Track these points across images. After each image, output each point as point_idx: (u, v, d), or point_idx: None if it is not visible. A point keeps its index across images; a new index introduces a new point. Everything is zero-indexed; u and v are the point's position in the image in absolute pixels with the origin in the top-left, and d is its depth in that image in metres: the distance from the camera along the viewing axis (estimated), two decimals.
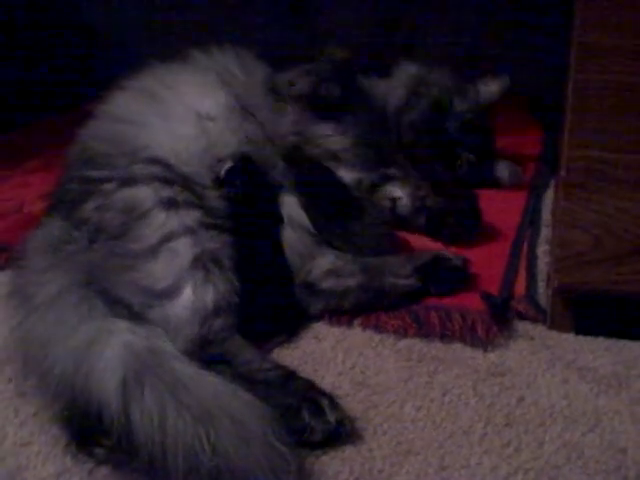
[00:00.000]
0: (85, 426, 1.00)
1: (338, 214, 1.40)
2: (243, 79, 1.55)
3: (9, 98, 2.18)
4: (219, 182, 1.34)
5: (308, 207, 1.40)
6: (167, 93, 1.44)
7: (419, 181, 1.56)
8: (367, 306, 1.29)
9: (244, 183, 1.35)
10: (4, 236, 1.55)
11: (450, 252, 1.36)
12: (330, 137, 1.56)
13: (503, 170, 1.73)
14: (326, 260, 1.33)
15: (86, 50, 2.51)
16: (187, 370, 1.01)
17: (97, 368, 1.00)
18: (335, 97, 1.58)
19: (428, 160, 1.66)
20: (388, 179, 1.56)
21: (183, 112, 1.41)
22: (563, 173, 1.16)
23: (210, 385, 0.99)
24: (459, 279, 1.32)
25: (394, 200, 1.53)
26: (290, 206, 1.41)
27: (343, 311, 1.29)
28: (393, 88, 1.70)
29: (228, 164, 1.36)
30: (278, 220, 1.39)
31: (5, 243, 1.51)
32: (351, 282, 1.29)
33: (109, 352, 1.02)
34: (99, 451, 0.98)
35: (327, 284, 1.30)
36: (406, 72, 1.73)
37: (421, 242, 1.49)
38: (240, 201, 1.34)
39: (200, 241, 1.19)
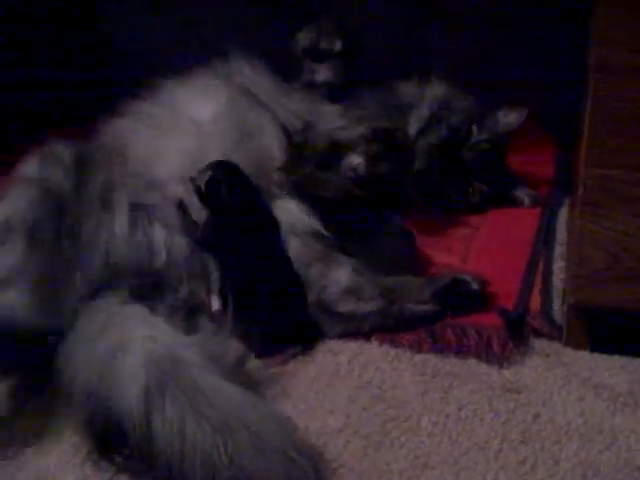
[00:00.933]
0: (106, 435, 1.01)
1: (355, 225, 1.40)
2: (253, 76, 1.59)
3: (26, 109, 2.20)
4: (202, 196, 1.29)
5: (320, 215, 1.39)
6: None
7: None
8: (385, 330, 1.28)
9: (230, 193, 1.29)
10: None
11: (467, 272, 1.35)
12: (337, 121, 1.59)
13: (522, 197, 1.74)
14: (342, 274, 1.31)
15: (102, 62, 2.52)
16: (208, 380, 1.02)
17: (120, 376, 1.02)
18: (336, 52, 1.65)
19: (440, 186, 1.66)
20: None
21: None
22: (580, 191, 1.16)
23: (230, 396, 1.00)
24: (477, 303, 1.31)
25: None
26: (290, 212, 1.41)
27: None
28: (420, 105, 1.71)
29: (207, 174, 1.28)
30: (276, 228, 1.35)
31: None
32: (370, 307, 1.28)
33: (132, 360, 1.03)
34: (119, 459, 0.99)
35: (345, 307, 1.28)
36: (434, 92, 1.74)
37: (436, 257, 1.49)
38: (230, 212, 1.29)
39: None
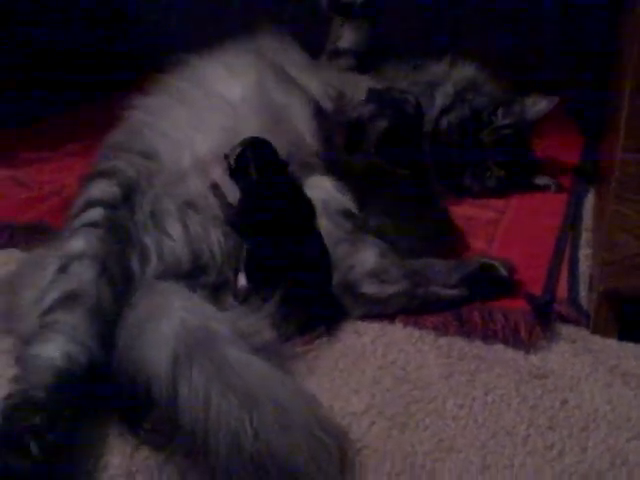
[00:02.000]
0: (134, 402, 1.01)
1: (393, 206, 1.39)
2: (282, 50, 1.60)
3: (50, 83, 2.19)
4: (232, 172, 1.30)
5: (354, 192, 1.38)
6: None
7: None
8: (410, 312, 1.26)
9: (260, 168, 1.28)
10: (45, 217, 1.56)
11: (495, 257, 1.33)
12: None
13: (543, 185, 1.72)
14: (369, 256, 1.30)
15: (128, 36, 2.52)
16: (237, 354, 1.02)
17: (152, 340, 1.03)
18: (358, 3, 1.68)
19: (457, 167, 1.65)
20: None
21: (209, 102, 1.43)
22: (616, 175, 1.14)
23: (257, 370, 1.00)
24: (505, 289, 1.29)
25: None
26: (324, 189, 1.40)
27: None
28: (446, 84, 1.69)
29: (237, 151, 1.29)
30: (309, 206, 1.33)
31: (46, 224, 1.52)
32: (395, 289, 1.26)
33: (165, 326, 1.04)
34: (141, 432, 0.99)
35: (370, 289, 1.27)
36: (463, 73, 1.73)
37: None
38: (259, 189, 1.29)
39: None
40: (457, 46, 2.28)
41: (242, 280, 1.24)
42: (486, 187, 1.67)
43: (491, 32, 2.33)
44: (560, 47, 2.29)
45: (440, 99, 1.69)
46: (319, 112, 1.51)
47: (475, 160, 1.66)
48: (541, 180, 1.72)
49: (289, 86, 1.52)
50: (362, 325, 1.25)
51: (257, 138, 1.32)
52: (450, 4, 2.37)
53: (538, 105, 1.68)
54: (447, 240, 1.42)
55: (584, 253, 1.44)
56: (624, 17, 1.49)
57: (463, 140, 1.66)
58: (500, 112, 1.67)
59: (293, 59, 1.61)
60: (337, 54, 1.72)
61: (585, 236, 1.50)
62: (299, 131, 1.46)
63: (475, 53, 2.09)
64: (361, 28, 1.75)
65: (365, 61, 1.72)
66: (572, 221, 1.57)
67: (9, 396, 0.99)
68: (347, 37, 1.74)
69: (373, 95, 1.54)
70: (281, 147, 1.36)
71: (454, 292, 1.26)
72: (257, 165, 1.28)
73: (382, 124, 1.48)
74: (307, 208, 1.32)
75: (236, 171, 1.29)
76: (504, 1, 2.32)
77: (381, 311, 1.26)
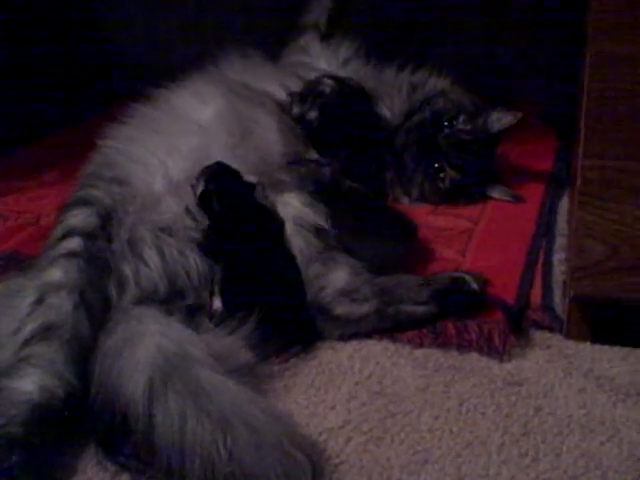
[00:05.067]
0: (110, 429, 1.02)
1: (355, 220, 1.40)
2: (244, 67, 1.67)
3: (24, 112, 2.20)
4: (198, 204, 1.33)
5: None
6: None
7: None
8: (384, 331, 1.27)
9: (223, 200, 1.32)
10: (21, 248, 1.57)
11: (467, 271, 1.33)
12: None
13: (496, 194, 1.72)
14: (340, 275, 1.31)
15: (101, 62, 2.53)
16: (211, 377, 1.03)
17: (128, 367, 1.04)
18: None
19: (413, 166, 1.67)
20: None
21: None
22: (578, 182, 1.15)
23: (230, 393, 1.01)
24: (477, 303, 1.28)
25: None
26: (294, 207, 1.41)
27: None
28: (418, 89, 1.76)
29: (200, 187, 1.33)
30: (279, 226, 1.36)
31: (21, 254, 1.52)
32: (366, 309, 1.26)
33: (141, 352, 1.06)
34: (120, 458, 0.99)
35: (341, 310, 1.27)
36: (435, 83, 1.76)
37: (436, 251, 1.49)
38: (225, 219, 1.32)
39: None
40: (429, 53, 2.31)
41: (217, 302, 1.25)
42: (438, 189, 1.67)
43: (463, 39, 2.35)
44: (533, 51, 2.31)
45: (405, 104, 1.71)
46: (284, 116, 1.57)
47: (430, 161, 1.66)
48: (496, 191, 1.72)
49: (253, 99, 1.55)
50: (338, 341, 1.26)
51: (218, 167, 1.35)
52: (422, 10, 2.39)
53: (502, 119, 1.69)
54: (409, 239, 1.43)
55: (558, 258, 1.45)
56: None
57: (420, 141, 1.67)
58: (462, 118, 1.68)
59: (255, 72, 1.66)
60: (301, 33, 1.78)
61: (559, 241, 1.51)
62: (267, 145, 1.49)
63: (448, 59, 2.13)
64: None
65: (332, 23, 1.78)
66: (546, 226, 1.58)
67: None
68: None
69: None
70: (251, 164, 1.41)
71: (425, 309, 1.26)
72: (220, 197, 1.32)
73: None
74: (276, 228, 1.34)
75: (201, 202, 1.33)
76: (475, 8, 2.34)
77: (355, 331, 1.27)
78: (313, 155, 1.56)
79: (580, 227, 1.17)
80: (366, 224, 1.41)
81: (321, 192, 1.43)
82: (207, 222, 1.33)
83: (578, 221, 1.17)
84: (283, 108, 1.59)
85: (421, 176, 1.68)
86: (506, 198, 1.71)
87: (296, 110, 1.60)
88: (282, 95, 1.62)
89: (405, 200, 1.71)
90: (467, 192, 1.69)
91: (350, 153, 1.60)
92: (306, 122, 1.59)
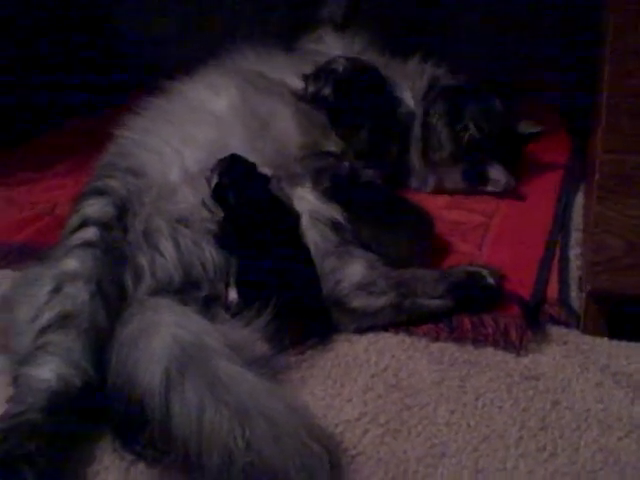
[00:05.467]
0: (127, 419, 1.01)
1: (372, 214, 1.40)
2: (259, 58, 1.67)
3: (40, 102, 2.20)
4: (213, 196, 1.33)
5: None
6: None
7: None
8: (400, 324, 1.27)
9: (238, 192, 1.32)
10: (37, 237, 1.57)
11: (483, 265, 1.33)
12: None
13: (492, 174, 1.71)
14: (356, 269, 1.30)
15: (115, 55, 2.53)
16: (228, 367, 1.03)
17: (144, 357, 1.04)
18: None
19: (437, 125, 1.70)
20: None
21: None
22: (597, 177, 1.15)
23: (248, 384, 1.01)
24: (493, 297, 1.28)
25: None
26: (309, 200, 1.41)
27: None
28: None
29: (215, 179, 1.33)
30: (294, 217, 1.36)
31: (37, 244, 1.53)
32: (382, 302, 1.26)
33: (157, 342, 1.05)
34: (136, 448, 0.99)
35: (358, 302, 1.27)
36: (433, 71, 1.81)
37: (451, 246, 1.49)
38: (239, 211, 1.32)
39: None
40: (445, 48, 2.31)
41: (232, 294, 1.25)
42: (457, 145, 1.68)
43: (479, 34, 2.34)
44: (549, 46, 2.30)
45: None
46: (301, 105, 1.58)
47: (454, 118, 1.69)
48: (494, 171, 1.70)
49: (269, 90, 1.56)
50: (354, 334, 1.26)
51: (233, 159, 1.35)
52: (435, 5, 2.38)
53: (530, 127, 1.74)
54: (427, 233, 1.43)
55: (574, 253, 1.44)
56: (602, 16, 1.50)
57: (448, 101, 1.71)
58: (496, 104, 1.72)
59: (270, 61, 1.67)
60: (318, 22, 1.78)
61: (575, 236, 1.50)
62: (284, 136, 1.50)
63: (463, 55, 2.13)
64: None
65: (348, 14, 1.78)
66: (562, 221, 1.58)
67: (3, 417, 1.00)
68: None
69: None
70: (267, 157, 1.41)
71: (441, 302, 1.26)
72: (234, 190, 1.31)
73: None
74: (291, 221, 1.34)
75: (216, 195, 1.33)
76: (491, 3, 2.33)
77: (371, 324, 1.27)
78: (331, 147, 1.56)
79: (598, 222, 1.16)
80: (384, 218, 1.41)
81: (338, 186, 1.42)
82: (222, 214, 1.33)
83: (596, 216, 1.16)
84: (299, 96, 1.60)
85: (444, 131, 1.69)
86: (496, 188, 1.69)
87: (311, 89, 1.61)
88: (298, 83, 1.63)
89: (426, 185, 1.73)
90: (479, 160, 1.69)
91: (370, 132, 1.61)
92: (322, 99, 1.60)
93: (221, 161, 1.35)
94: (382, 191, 1.51)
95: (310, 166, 1.46)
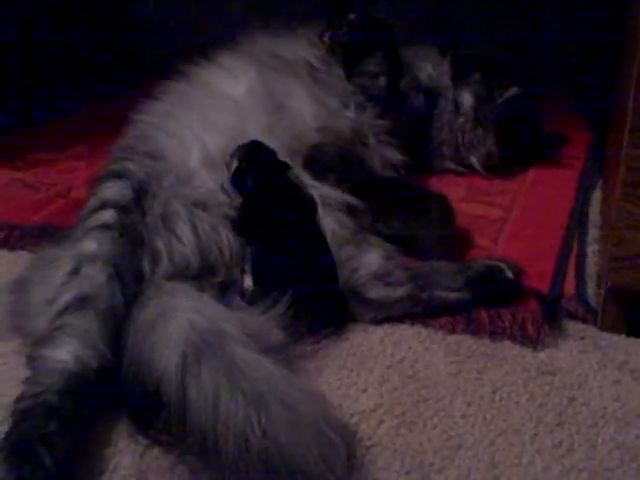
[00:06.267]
0: (143, 403, 1.01)
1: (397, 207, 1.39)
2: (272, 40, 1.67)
3: (55, 86, 2.20)
4: (232, 181, 1.33)
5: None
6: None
7: None
8: (416, 316, 1.26)
9: (257, 178, 1.31)
10: (52, 219, 1.57)
11: (502, 258, 1.32)
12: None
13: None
14: (373, 258, 1.30)
15: (132, 40, 2.53)
16: (245, 354, 1.02)
17: (161, 341, 1.03)
18: None
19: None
20: None
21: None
22: (622, 172, 1.14)
23: (265, 370, 1.00)
24: (512, 292, 1.27)
25: None
26: (325, 187, 1.41)
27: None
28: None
29: (234, 164, 1.32)
30: (311, 207, 1.35)
31: (53, 226, 1.53)
32: (399, 293, 1.26)
33: (174, 327, 1.05)
34: (151, 432, 0.99)
35: (374, 293, 1.26)
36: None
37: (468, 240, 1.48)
38: (258, 197, 1.31)
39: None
40: (461, 41, 2.30)
41: (248, 281, 1.24)
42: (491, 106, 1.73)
43: (496, 27, 2.34)
44: (567, 42, 2.29)
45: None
46: (317, 76, 1.60)
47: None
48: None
49: (285, 70, 1.57)
50: (370, 324, 1.25)
51: (254, 145, 1.35)
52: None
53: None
54: (451, 224, 1.43)
55: (591, 249, 1.44)
56: (630, 12, 1.49)
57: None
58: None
59: (283, 41, 1.68)
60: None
61: (592, 232, 1.50)
62: (301, 120, 1.50)
63: (481, 47, 2.12)
64: None
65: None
66: (579, 218, 1.57)
67: (21, 398, 0.99)
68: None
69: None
70: (285, 142, 1.42)
71: (459, 295, 1.25)
72: (254, 175, 1.31)
73: None
74: (309, 209, 1.33)
75: (235, 180, 1.32)
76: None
77: (387, 315, 1.26)
78: (347, 125, 1.57)
79: (621, 217, 1.15)
80: (406, 208, 1.41)
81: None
82: (240, 200, 1.32)
83: (619, 211, 1.15)
84: (315, 68, 1.62)
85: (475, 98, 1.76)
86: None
87: (326, 36, 1.68)
88: (315, 53, 1.65)
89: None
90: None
91: (388, 79, 1.66)
92: (338, 43, 1.66)
93: (241, 147, 1.35)
94: (402, 186, 1.50)
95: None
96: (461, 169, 1.80)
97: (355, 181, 1.44)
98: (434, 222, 1.40)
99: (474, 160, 1.77)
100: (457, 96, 1.77)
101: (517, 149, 1.77)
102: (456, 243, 1.43)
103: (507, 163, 1.78)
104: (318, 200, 1.37)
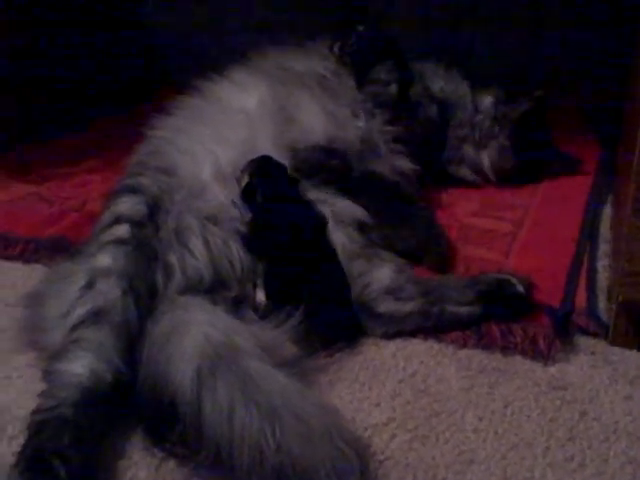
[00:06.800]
0: (157, 416, 1.03)
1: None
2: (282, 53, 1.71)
3: (69, 99, 2.23)
4: (242, 196, 1.35)
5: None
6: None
7: None
8: (427, 330, 1.26)
9: (267, 193, 1.33)
10: (67, 233, 1.59)
11: (512, 273, 1.32)
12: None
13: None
14: (385, 273, 1.31)
15: (145, 50, 2.56)
16: (259, 367, 1.03)
17: (176, 355, 1.05)
18: None
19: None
20: None
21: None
22: (633, 188, 1.14)
23: (279, 384, 1.01)
24: (522, 307, 1.27)
25: None
26: (332, 202, 1.42)
27: None
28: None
29: (245, 179, 1.34)
30: (322, 220, 1.36)
31: (67, 240, 1.54)
32: (410, 307, 1.26)
33: (189, 341, 1.06)
34: (166, 445, 1.00)
35: (385, 307, 1.27)
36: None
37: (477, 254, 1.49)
38: (267, 212, 1.33)
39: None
40: (471, 52, 2.32)
41: (260, 295, 1.25)
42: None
43: (505, 39, 2.35)
44: (577, 56, 2.30)
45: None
46: (327, 87, 1.62)
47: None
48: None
49: (295, 83, 1.59)
50: (382, 339, 1.26)
51: (264, 161, 1.37)
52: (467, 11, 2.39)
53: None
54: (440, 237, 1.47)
55: (602, 264, 1.44)
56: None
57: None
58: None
59: (293, 54, 1.72)
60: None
61: (603, 247, 1.50)
62: (310, 133, 1.52)
63: (490, 59, 2.13)
64: None
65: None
66: (590, 232, 1.57)
67: (36, 411, 1.01)
68: None
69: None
70: (295, 155, 1.44)
71: (469, 309, 1.25)
72: (263, 190, 1.32)
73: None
74: (320, 224, 1.34)
75: (245, 195, 1.34)
76: (517, 8, 2.33)
77: (398, 329, 1.26)
78: (356, 136, 1.58)
79: (632, 232, 1.16)
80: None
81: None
82: (250, 215, 1.34)
83: (630, 227, 1.16)
84: (325, 79, 1.64)
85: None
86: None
87: (336, 48, 1.72)
88: (324, 65, 1.68)
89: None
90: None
91: (399, 86, 1.69)
92: (347, 54, 1.70)
93: (252, 162, 1.36)
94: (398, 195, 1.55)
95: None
96: (473, 177, 1.81)
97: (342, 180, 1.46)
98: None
99: (485, 158, 1.79)
100: (476, 100, 1.81)
101: (529, 150, 1.79)
102: (464, 258, 1.45)
103: (518, 167, 1.79)
104: (329, 215, 1.38)
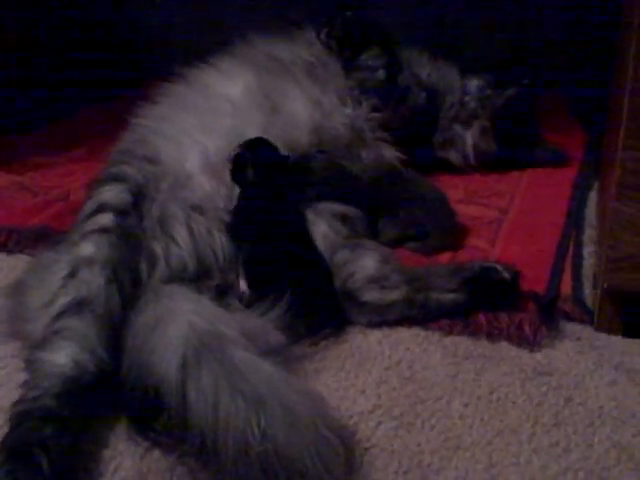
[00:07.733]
0: (142, 405, 1.02)
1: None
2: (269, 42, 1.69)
3: (53, 89, 2.21)
4: (233, 175, 1.34)
5: None
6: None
7: None
8: (412, 319, 1.26)
9: (258, 169, 1.32)
10: (51, 223, 1.57)
11: (498, 260, 1.31)
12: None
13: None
14: (369, 262, 1.30)
15: (130, 43, 2.54)
16: (244, 356, 1.03)
17: (161, 344, 1.04)
18: None
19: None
20: None
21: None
22: (617, 174, 1.14)
23: (264, 372, 1.01)
24: (508, 293, 1.26)
25: None
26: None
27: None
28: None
29: (235, 150, 1.34)
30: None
31: (51, 229, 1.53)
32: (395, 295, 1.25)
33: (173, 330, 1.05)
34: (151, 435, 1.00)
35: (370, 296, 1.26)
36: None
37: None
38: (257, 190, 1.32)
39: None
40: (460, 44, 2.32)
41: (243, 285, 1.25)
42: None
43: (493, 29, 2.35)
44: (562, 44, 2.30)
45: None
46: (313, 74, 1.62)
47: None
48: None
49: (280, 70, 1.59)
50: (368, 326, 1.26)
51: (256, 139, 1.36)
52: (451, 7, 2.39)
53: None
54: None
55: (588, 251, 1.45)
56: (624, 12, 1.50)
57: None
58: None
59: (280, 42, 1.70)
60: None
61: (589, 233, 1.51)
62: (296, 123, 1.52)
63: (478, 51, 2.13)
64: None
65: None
66: (575, 219, 1.57)
67: (19, 401, 1.00)
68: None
69: None
70: (280, 143, 1.42)
71: (454, 296, 1.24)
72: (255, 166, 1.32)
73: None
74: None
75: (236, 173, 1.33)
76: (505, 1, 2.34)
77: (383, 318, 1.26)
78: (341, 124, 1.59)
79: (616, 219, 1.16)
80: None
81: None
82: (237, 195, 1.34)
83: (614, 213, 1.16)
84: (313, 66, 1.64)
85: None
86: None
87: (323, 34, 1.72)
88: (310, 53, 1.67)
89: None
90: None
91: (387, 70, 1.70)
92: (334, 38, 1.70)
93: (246, 140, 1.36)
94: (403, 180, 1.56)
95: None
96: (460, 161, 1.82)
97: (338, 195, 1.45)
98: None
99: (468, 137, 1.80)
100: (465, 85, 1.83)
101: (513, 137, 1.81)
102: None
103: (500, 153, 1.81)
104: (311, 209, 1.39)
